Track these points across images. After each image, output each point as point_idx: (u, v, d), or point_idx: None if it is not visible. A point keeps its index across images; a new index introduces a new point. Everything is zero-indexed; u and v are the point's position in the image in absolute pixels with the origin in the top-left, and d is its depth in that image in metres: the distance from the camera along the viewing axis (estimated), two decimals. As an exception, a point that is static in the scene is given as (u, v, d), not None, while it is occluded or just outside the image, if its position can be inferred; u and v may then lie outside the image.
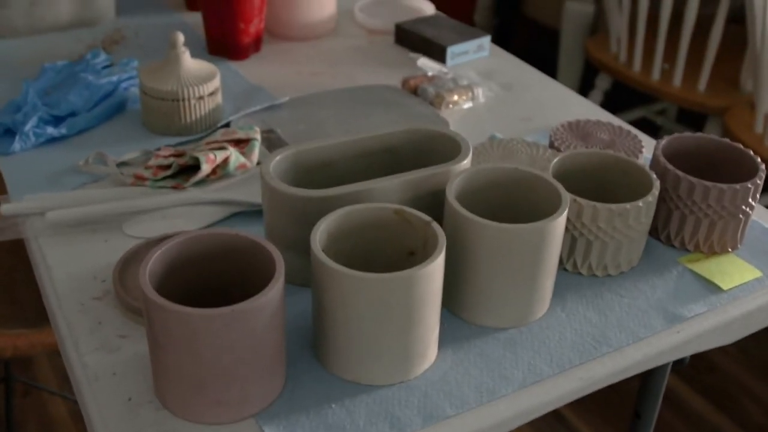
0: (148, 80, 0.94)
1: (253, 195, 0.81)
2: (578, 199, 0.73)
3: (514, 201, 0.73)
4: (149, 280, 0.58)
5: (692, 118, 2.14)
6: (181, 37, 0.94)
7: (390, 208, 0.66)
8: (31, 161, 0.89)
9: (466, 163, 0.74)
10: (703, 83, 1.89)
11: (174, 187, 0.82)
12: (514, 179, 0.73)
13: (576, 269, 0.76)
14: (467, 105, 1.03)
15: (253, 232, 0.78)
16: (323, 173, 0.76)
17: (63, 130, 0.93)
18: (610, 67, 2.05)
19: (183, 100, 0.93)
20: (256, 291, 0.57)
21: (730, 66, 1.97)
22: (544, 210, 0.70)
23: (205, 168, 0.81)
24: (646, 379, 0.97)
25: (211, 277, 0.64)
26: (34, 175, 0.87)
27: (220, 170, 0.83)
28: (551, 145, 0.91)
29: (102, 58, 1.09)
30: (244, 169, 0.85)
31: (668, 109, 2.31)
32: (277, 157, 0.72)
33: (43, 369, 1.68)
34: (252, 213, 0.81)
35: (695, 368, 1.78)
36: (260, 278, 0.61)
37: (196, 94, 0.93)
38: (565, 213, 0.67)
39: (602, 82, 2.13)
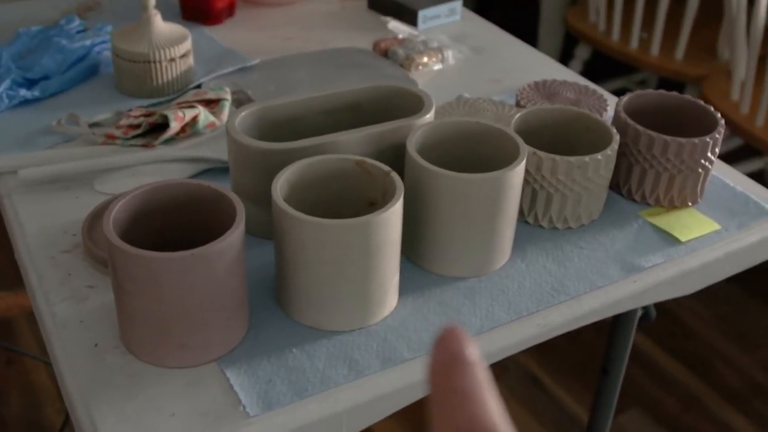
0: (121, 42, 0.95)
1: (221, 152, 0.83)
2: (538, 152, 0.74)
3: (475, 154, 0.75)
4: (113, 227, 0.59)
5: (671, 87, 2.16)
6: (152, 1, 0.95)
7: (351, 159, 0.67)
8: (3, 123, 0.90)
9: (429, 117, 0.75)
10: (680, 52, 1.91)
11: (144, 146, 0.83)
12: (475, 133, 0.74)
13: (537, 222, 0.78)
14: (437, 67, 1.04)
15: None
16: (289, 129, 0.78)
17: (36, 93, 0.94)
18: (590, 36, 2.06)
19: (154, 61, 0.94)
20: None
21: (708, 34, 1.99)
22: (505, 162, 0.72)
23: (174, 126, 0.82)
24: (612, 336, 1.00)
25: (175, 226, 0.65)
26: (7, 136, 0.88)
27: (189, 128, 0.84)
28: (517, 104, 0.93)
29: (76, 23, 1.10)
30: (213, 128, 0.86)
31: (648, 79, 2.33)
32: (243, 113, 0.73)
33: (24, 337, 1.70)
34: (220, 170, 0.83)
35: (672, 335, 1.81)
36: (223, 227, 0.62)
37: (168, 56, 0.94)
38: (523, 163, 0.69)
39: (582, 52, 2.14)
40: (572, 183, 0.75)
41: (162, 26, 0.96)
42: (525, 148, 0.70)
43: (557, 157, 0.74)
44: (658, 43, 1.92)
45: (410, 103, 0.79)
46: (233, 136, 0.70)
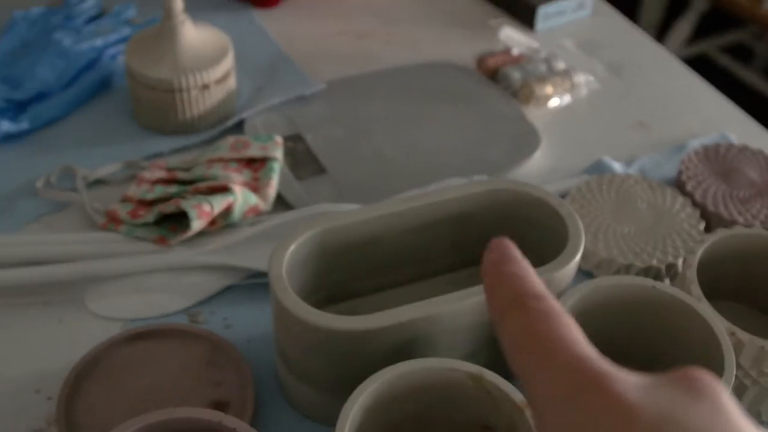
0: (136, 61, 0.69)
1: (264, 258, 0.58)
2: (738, 331, 0.49)
3: (647, 325, 0.50)
4: None
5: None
6: (178, 4, 0.68)
7: (463, 371, 0.43)
8: (-26, 172, 0.67)
9: (575, 261, 0.50)
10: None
11: (156, 241, 0.59)
12: (650, 300, 0.49)
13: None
14: (564, 100, 0.77)
15: (264, 318, 0.56)
16: (363, 253, 0.53)
17: (24, 125, 0.70)
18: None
19: (181, 90, 0.69)
20: None
21: None
22: (693, 350, 0.47)
23: (197, 225, 0.58)
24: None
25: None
26: (-24, 195, 0.65)
27: (222, 220, 0.60)
28: (680, 185, 0.66)
29: (89, 3, 0.84)
30: (255, 215, 0.61)
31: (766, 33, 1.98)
32: (292, 246, 0.49)
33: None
34: (263, 285, 0.59)
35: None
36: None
37: (199, 83, 0.69)
38: (731, 383, 0.44)
39: (699, 3, 1.81)
40: (785, 378, 0.50)
41: (192, 38, 0.70)
42: (732, 360, 0.44)
43: (767, 345, 0.48)
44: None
45: (541, 215, 0.54)
46: (279, 297, 0.46)
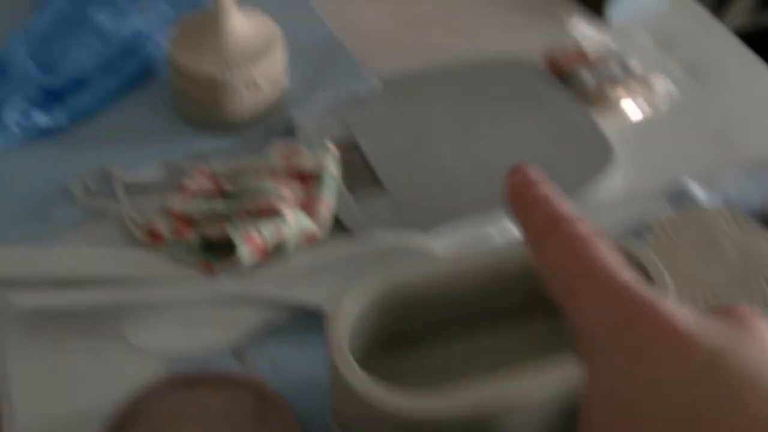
0: (178, 51, 0.64)
1: (319, 293, 0.54)
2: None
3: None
4: None
5: None
6: (229, -7, 0.63)
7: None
8: (7, 171, 0.63)
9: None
10: None
11: (200, 267, 0.55)
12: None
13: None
14: (640, 107, 0.71)
15: (316, 361, 0.52)
16: (428, 306, 0.48)
17: (61, 119, 0.65)
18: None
19: (226, 85, 0.63)
20: None
21: None
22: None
23: (244, 252, 0.53)
24: None
25: None
26: (10, 199, 0.61)
27: (274, 253, 0.55)
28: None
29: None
30: (313, 242, 0.57)
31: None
32: (352, 310, 0.44)
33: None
34: (316, 323, 0.54)
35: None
36: None
37: (247, 78, 0.64)
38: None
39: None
40: None
41: (241, 25, 0.64)
42: None
43: None
44: None
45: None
46: (340, 371, 0.42)
